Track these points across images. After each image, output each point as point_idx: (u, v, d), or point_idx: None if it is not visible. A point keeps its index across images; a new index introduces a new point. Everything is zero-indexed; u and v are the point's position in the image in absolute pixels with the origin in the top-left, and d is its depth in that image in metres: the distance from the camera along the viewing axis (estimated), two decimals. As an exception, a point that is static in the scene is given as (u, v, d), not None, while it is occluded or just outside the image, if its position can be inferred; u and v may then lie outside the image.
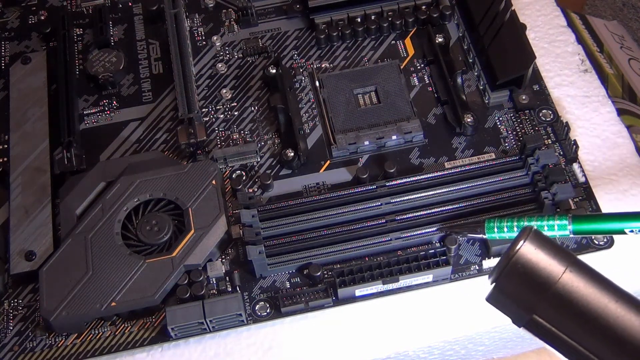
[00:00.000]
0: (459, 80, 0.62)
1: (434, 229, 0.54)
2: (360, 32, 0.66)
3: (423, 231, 0.55)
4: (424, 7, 0.66)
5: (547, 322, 0.35)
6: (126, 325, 0.53)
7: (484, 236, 0.52)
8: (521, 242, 0.35)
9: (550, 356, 0.63)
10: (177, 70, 0.62)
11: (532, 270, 0.35)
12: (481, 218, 0.54)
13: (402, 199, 0.55)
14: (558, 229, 0.50)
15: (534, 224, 0.50)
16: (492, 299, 0.37)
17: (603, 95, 0.63)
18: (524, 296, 0.35)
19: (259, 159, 0.60)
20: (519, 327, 0.36)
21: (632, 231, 0.48)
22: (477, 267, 0.54)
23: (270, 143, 0.61)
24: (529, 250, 0.35)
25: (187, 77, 0.62)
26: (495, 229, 0.51)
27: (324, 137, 0.61)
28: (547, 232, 0.50)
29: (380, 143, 0.60)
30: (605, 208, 0.56)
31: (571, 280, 0.34)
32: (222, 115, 0.63)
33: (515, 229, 0.51)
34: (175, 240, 0.54)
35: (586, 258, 0.54)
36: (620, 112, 0.64)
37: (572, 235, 0.50)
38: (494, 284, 0.36)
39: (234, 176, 0.59)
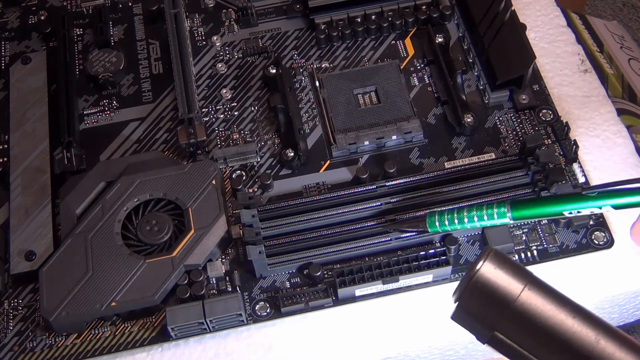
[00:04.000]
0: (459, 80, 0.62)
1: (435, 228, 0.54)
2: (360, 32, 0.66)
3: (423, 231, 0.55)
4: (424, 7, 0.66)
5: (508, 338, 0.36)
6: (126, 325, 0.54)
7: (427, 230, 0.52)
8: (481, 262, 0.37)
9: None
10: (177, 70, 0.62)
11: (491, 289, 0.36)
12: (423, 212, 0.54)
13: (402, 198, 0.55)
14: (498, 217, 0.50)
15: (474, 214, 0.50)
16: (456, 317, 0.38)
17: (603, 95, 0.63)
18: (485, 314, 0.37)
19: (259, 159, 0.60)
20: (483, 344, 0.37)
21: (570, 213, 0.48)
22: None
23: (270, 143, 0.61)
24: (488, 270, 0.36)
25: (187, 77, 0.62)
26: (437, 223, 0.51)
27: (324, 137, 0.61)
28: (488, 222, 0.50)
29: (380, 143, 0.60)
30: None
31: (529, 298, 0.36)
32: (222, 115, 0.63)
33: (456, 220, 0.50)
34: (175, 240, 0.54)
35: (586, 258, 0.55)
36: (620, 112, 0.64)
37: (512, 222, 0.50)
38: (456, 303, 0.37)
39: (234, 176, 0.59)
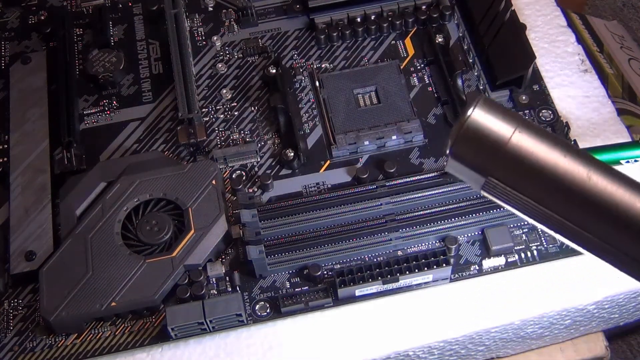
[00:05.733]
0: (459, 80, 0.62)
1: (435, 228, 0.54)
2: (360, 32, 0.66)
3: (423, 231, 0.55)
4: (424, 7, 0.66)
5: (502, 182, 0.36)
6: (126, 325, 0.53)
7: None
8: (471, 108, 0.36)
9: (550, 355, 0.63)
10: (177, 70, 0.62)
11: (483, 134, 0.36)
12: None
13: (402, 199, 0.55)
14: None
15: None
16: (450, 167, 0.38)
17: (603, 95, 0.63)
18: (478, 160, 0.36)
19: (259, 159, 0.60)
20: (478, 190, 0.37)
21: (627, 162, 0.48)
22: (477, 267, 0.54)
23: (270, 143, 0.61)
24: (479, 116, 0.36)
25: (187, 77, 0.62)
26: None
27: (324, 137, 0.61)
28: None
29: (380, 143, 0.60)
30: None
31: (521, 140, 0.36)
32: (222, 115, 0.63)
33: None
34: (175, 240, 0.54)
35: (586, 258, 0.54)
36: (620, 112, 0.64)
37: None
38: (449, 152, 0.37)
39: (234, 176, 0.59)
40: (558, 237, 0.37)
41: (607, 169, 0.36)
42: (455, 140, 0.36)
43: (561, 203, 0.36)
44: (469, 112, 0.36)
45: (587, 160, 0.36)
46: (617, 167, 0.47)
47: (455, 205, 0.55)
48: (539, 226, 0.37)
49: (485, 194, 0.37)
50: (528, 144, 0.36)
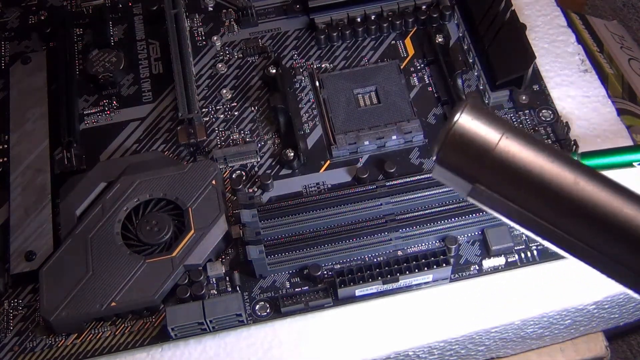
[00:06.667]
0: (459, 80, 0.62)
1: (435, 228, 0.54)
2: (360, 32, 0.66)
3: (423, 231, 0.55)
4: (424, 7, 0.66)
5: (488, 188, 0.36)
6: (126, 325, 0.53)
7: None
8: (458, 114, 0.36)
9: (550, 355, 0.63)
10: (177, 70, 0.62)
11: (469, 140, 0.36)
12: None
13: (402, 199, 0.55)
14: None
15: None
16: (436, 173, 0.38)
17: (603, 95, 0.63)
18: (464, 166, 0.36)
19: (259, 159, 0.60)
20: (465, 197, 0.37)
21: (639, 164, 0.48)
22: (477, 267, 0.54)
23: (270, 143, 0.61)
24: (465, 122, 0.36)
25: (187, 77, 0.62)
26: None
27: (324, 137, 0.61)
28: None
29: (380, 143, 0.60)
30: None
31: (507, 146, 0.35)
32: (222, 115, 0.63)
33: None
34: (175, 240, 0.54)
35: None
36: (620, 112, 0.64)
37: None
38: (436, 158, 0.37)
39: (234, 176, 0.59)
40: (546, 244, 0.37)
41: (594, 175, 0.35)
42: (441, 146, 0.36)
43: (549, 209, 0.36)
44: (455, 118, 0.36)
45: (575, 166, 0.36)
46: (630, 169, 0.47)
47: (455, 205, 0.55)
48: (527, 233, 0.37)
49: (472, 201, 0.37)
50: (515, 150, 0.35)
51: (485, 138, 0.36)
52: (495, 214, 0.37)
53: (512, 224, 0.37)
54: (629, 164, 0.49)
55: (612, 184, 0.36)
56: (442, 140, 0.36)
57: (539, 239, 0.37)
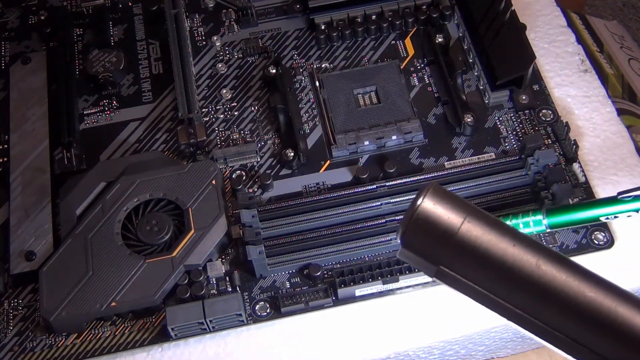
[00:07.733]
0: (459, 80, 0.62)
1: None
2: (360, 32, 0.66)
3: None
4: (424, 7, 0.66)
5: (453, 271, 0.37)
6: (126, 325, 0.53)
7: None
8: (420, 198, 0.37)
9: (550, 356, 0.63)
10: (177, 70, 0.62)
11: (432, 224, 0.36)
12: None
13: (402, 199, 0.55)
14: (534, 224, 0.51)
15: (510, 222, 0.50)
16: (401, 255, 0.38)
17: (603, 95, 0.63)
18: (428, 249, 0.37)
19: (259, 159, 0.60)
20: (431, 278, 0.38)
21: (607, 218, 0.48)
22: (477, 267, 0.54)
23: (270, 143, 0.61)
24: (428, 206, 0.37)
25: (187, 77, 0.62)
26: None
27: (324, 137, 0.61)
28: (524, 230, 0.51)
29: (380, 143, 0.60)
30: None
31: (469, 230, 0.36)
32: (222, 115, 0.63)
33: None
34: (175, 240, 0.54)
35: (586, 258, 0.55)
36: (620, 112, 0.64)
37: (548, 230, 0.51)
38: (400, 241, 0.37)
39: (234, 176, 0.59)
40: (514, 326, 0.37)
41: (556, 257, 0.36)
42: (405, 230, 0.37)
43: (512, 292, 0.36)
44: (418, 202, 0.36)
45: (537, 248, 0.36)
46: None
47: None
48: (495, 314, 0.37)
49: (439, 282, 0.37)
50: (477, 234, 0.36)
51: (448, 221, 0.36)
52: (463, 295, 0.37)
53: (478, 305, 0.37)
54: (596, 219, 0.49)
55: (574, 266, 0.36)
56: (405, 224, 0.37)
57: (507, 320, 0.37)
